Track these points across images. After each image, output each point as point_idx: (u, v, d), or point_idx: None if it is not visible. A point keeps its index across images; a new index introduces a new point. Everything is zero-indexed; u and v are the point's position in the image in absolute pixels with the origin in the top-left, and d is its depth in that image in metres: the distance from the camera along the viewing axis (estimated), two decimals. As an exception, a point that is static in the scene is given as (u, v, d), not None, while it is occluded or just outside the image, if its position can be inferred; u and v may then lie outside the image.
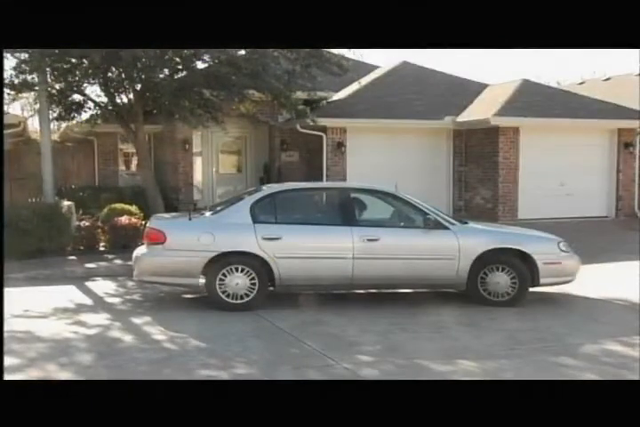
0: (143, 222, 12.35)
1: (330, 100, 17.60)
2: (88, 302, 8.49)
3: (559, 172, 16.78)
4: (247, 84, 12.91)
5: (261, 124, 16.68)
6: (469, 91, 18.66)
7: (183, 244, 7.85)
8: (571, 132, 16.94)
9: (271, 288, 7.95)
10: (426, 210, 8.21)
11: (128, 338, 6.64)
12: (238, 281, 7.75)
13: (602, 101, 18.15)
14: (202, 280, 7.85)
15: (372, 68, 20.10)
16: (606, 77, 26.77)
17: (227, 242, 7.82)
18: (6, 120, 13.14)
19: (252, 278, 7.76)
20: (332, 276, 7.93)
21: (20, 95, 13.81)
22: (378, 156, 16.88)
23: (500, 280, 8.03)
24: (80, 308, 8.02)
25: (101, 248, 11.93)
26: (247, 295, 7.77)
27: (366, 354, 6.10)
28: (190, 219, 8.17)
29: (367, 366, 5.75)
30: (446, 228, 8.06)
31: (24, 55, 12.28)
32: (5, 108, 13.66)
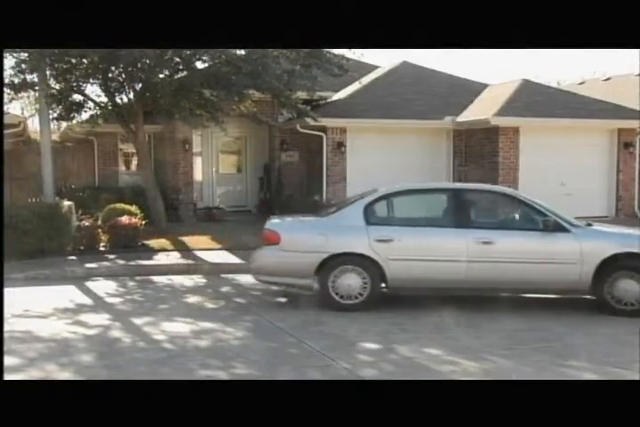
0: (143, 222, 12.39)
1: (330, 100, 17.61)
2: (88, 302, 8.49)
3: (559, 172, 16.77)
4: (247, 83, 12.90)
5: (261, 124, 16.67)
6: (469, 91, 18.66)
7: (297, 245, 7.97)
8: (571, 132, 16.93)
9: (383, 290, 7.95)
10: (545, 211, 7.95)
11: (128, 338, 6.64)
12: (350, 282, 7.80)
13: (602, 101, 18.15)
14: (314, 281, 7.93)
15: (372, 68, 20.10)
16: (606, 77, 26.79)
17: (339, 243, 7.88)
18: (6, 120, 13.14)
19: (364, 280, 7.79)
20: (445, 279, 7.80)
21: (19, 95, 13.80)
22: (378, 156, 16.88)
23: (629, 287, 7.58)
24: (80, 308, 8.02)
25: (101, 248, 11.93)
26: (359, 296, 7.80)
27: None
28: (305, 220, 8.35)
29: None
30: (566, 230, 7.76)
31: (23, 55, 12.28)
32: (5, 108, 13.66)
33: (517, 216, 8.34)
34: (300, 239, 8.03)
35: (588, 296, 7.88)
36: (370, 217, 8.01)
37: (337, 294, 7.82)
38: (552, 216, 7.88)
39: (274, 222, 8.44)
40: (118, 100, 14.37)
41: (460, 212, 8.13)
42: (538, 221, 7.92)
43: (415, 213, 8.63)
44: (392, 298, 8.17)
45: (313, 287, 7.99)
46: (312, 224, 8.34)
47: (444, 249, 7.82)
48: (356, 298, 7.82)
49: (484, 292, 8.17)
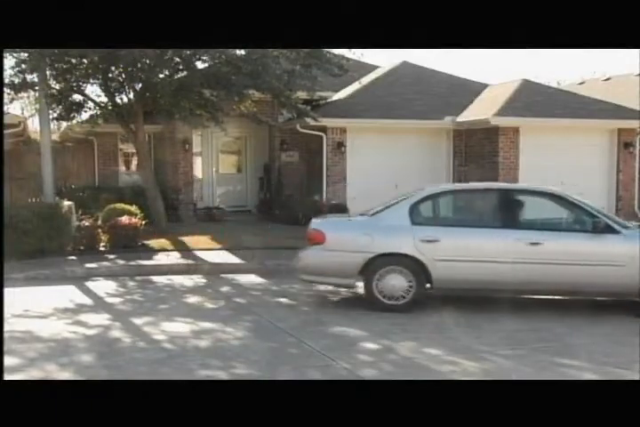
0: (143, 222, 12.38)
1: (330, 100, 17.61)
2: (88, 302, 8.49)
3: (559, 172, 16.73)
4: (247, 83, 12.90)
5: (261, 124, 16.67)
6: (469, 91, 18.66)
7: (341, 244, 7.96)
8: (571, 132, 16.93)
9: (429, 291, 7.91)
10: (594, 212, 7.85)
11: (128, 338, 6.63)
12: (395, 283, 7.77)
13: (602, 101, 18.15)
14: (359, 281, 7.94)
15: (372, 68, 20.10)
16: (606, 77, 26.80)
17: (384, 243, 7.84)
18: (6, 120, 13.15)
19: (409, 280, 7.76)
20: (492, 280, 7.69)
21: (19, 95, 13.81)
22: (378, 156, 16.88)
23: None
24: (80, 308, 8.02)
25: (101, 248, 11.93)
26: (404, 297, 7.77)
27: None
28: (349, 220, 8.36)
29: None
30: (616, 231, 7.64)
31: (23, 55, 12.28)
32: (5, 108, 13.67)
33: (566, 217, 8.22)
34: (344, 239, 8.02)
35: (638, 299, 7.66)
36: (415, 217, 7.95)
37: (381, 294, 7.79)
38: (602, 217, 7.78)
39: (319, 222, 8.42)
40: (118, 100, 14.38)
41: (507, 212, 8.05)
42: (587, 222, 7.82)
43: (461, 214, 8.63)
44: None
45: (357, 287, 7.96)
46: (357, 224, 8.30)
47: (492, 250, 7.73)
48: (401, 299, 7.77)
49: (530, 293, 8.11)
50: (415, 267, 7.75)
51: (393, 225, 7.92)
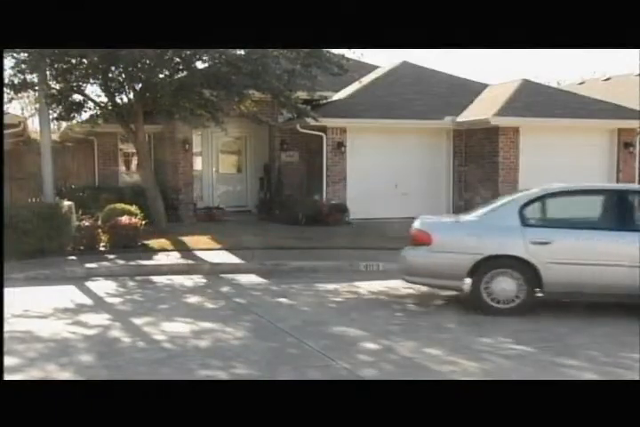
0: (143, 222, 12.38)
1: (330, 100, 17.62)
2: (88, 302, 8.49)
3: (559, 172, 16.72)
4: (247, 83, 12.91)
5: (261, 124, 16.69)
6: (469, 91, 18.67)
7: (449, 246, 7.79)
8: (571, 132, 16.93)
9: (539, 294, 7.66)
10: None
11: (128, 338, 6.63)
12: (504, 286, 7.56)
13: (602, 101, 18.16)
14: (466, 283, 7.74)
15: (372, 68, 20.11)
16: (606, 77, 26.81)
17: (493, 245, 7.64)
18: (6, 120, 13.15)
19: (520, 283, 7.54)
20: (608, 284, 7.41)
21: (19, 95, 13.81)
22: (378, 156, 16.89)
23: None
24: (80, 308, 8.01)
25: (101, 248, 11.92)
26: (514, 300, 7.56)
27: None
28: (457, 221, 8.15)
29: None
30: None
31: (23, 55, 12.29)
32: (5, 108, 13.67)
33: None
34: (452, 240, 7.83)
35: None
36: (526, 218, 7.71)
37: (490, 297, 7.59)
38: None
39: (424, 223, 8.22)
40: (118, 100, 14.38)
41: (625, 214, 7.75)
42: None
43: (574, 215, 8.29)
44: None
45: (464, 290, 7.80)
46: (464, 225, 8.06)
47: (609, 253, 7.43)
48: (511, 302, 7.56)
49: None
50: (526, 270, 7.50)
51: (502, 226, 7.69)
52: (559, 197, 8.18)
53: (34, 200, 13.06)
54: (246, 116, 15.51)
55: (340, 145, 16.58)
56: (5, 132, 12.83)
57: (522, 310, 7.54)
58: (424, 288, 8.62)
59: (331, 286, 9.29)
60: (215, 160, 19.14)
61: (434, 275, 7.87)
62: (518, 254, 7.53)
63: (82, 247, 11.74)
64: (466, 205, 17.63)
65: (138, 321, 7.33)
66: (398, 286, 9.36)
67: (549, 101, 17.40)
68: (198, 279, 10.01)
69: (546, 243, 7.49)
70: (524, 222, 7.68)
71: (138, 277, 10.02)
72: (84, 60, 12.95)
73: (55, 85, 13.68)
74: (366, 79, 18.20)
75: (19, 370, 5.48)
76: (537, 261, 7.47)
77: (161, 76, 13.12)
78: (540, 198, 8.02)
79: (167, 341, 6.53)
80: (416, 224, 8.20)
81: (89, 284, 9.57)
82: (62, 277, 9.96)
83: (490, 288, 7.60)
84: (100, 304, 8.33)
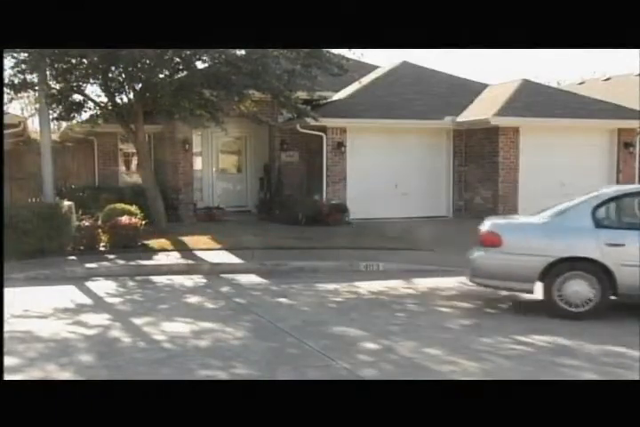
0: (143, 222, 12.38)
1: (330, 100, 17.62)
2: (88, 302, 8.49)
3: (559, 172, 16.77)
4: (247, 83, 12.91)
5: (261, 124, 16.69)
6: (469, 91, 18.67)
7: (520, 247, 7.68)
8: (571, 132, 16.94)
9: (613, 297, 7.50)
10: None
11: (128, 338, 6.63)
12: (577, 288, 7.41)
13: (602, 101, 18.16)
14: (537, 286, 7.63)
15: (372, 68, 20.11)
16: (606, 77, 26.81)
17: (566, 247, 7.50)
18: (6, 120, 13.15)
19: (593, 286, 7.39)
20: None
21: (19, 95, 13.81)
22: (378, 156, 16.90)
23: None
24: (80, 308, 8.02)
25: (101, 248, 11.92)
26: (587, 303, 7.42)
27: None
28: (528, 222, 8.04)
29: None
30: None
31: (23, 55, 12.29)
32: (5, 108, 13.67)
33: None
34: (523, 242, 7.73)
35: None
36: (599, 219, 7.56)
37: (562, 300, 7.45)
38: None
39: (494, 224, 8.10)
40: (118, 100, 14.38)
41: None
42: None
43: None
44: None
45: (536, 293, 7.68)
46: (536, 226, 7.88)
47: None
48: (584, 306, 7.41)
49: None
50: (600, 272, 7.35)
51: (574, 228, 7.54)
52: (633, 198, 8.08)
53: (34, 200, 13.07)
54: (246, 116, 15.51)
55: (340, 145, 16.58)
56: (5, 132, 12.84)
57: (595, 313, 7.38)
58: (423, 287, 8.63)
59: (331, 286, 9.30)
60: (215, 160, 19.14)
61: (503, 277, 7.75)
62: (592, 257, 7.38)
63: (82, 247, 11.74)
64: (466, 204, 17.65)
65: (138, 321, 7.33)
66: (398, 286, 9.38)
67: (549, 101, 17.40)
68: (198, 279, 10.01)
69: (620, 245, 7.35)
70: (598, 224, 7.53)
71: (138, 277, 10.02)
72: (84, 60, 12.95)
73: (55, 85, 13.68)
74: (366, 79, 18.19)
75: (19, 370, 5.48)
76: (611, 264, 7.32)
77: (161, 76, 13.11)
78: (614, 199, 7.83)
79: (167, 341, 6.53)
80: (486, 226, 8.07)
81: (89, 284, 9.57)
82: (62, 277, 9.96)
83: (562, 291, 7.45)
84: (100, 304, 8.33)
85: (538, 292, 7.66)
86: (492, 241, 7.81)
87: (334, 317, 7.57)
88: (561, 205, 8.11)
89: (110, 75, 13.37)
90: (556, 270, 7.47)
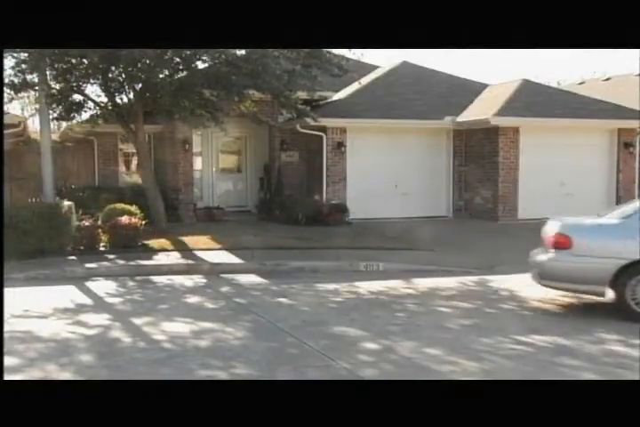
0: (143, 222, 12.38)
1: (330, 100, 17.62)
2: (88, 302, 8.49)
3: (559, 172, 16.78)
4: (247, 83, 12.91)
5: (261, 124, 16.68)
6: (469, 91, 18.67)
7: (591, 250, 7.51)
8: (571, 132, 16.94)
9: None
10: None
11: (128, 338, 6.63)
12: None
13: (602, 101, 18.16)
14: (610, 289, 7.46)
15: (372, 68, 20.10)
16: (606, 77, 26.79)
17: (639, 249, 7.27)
18: (6, 120, 13.15)
19: None
20: None
21: (19, 95, 13.82)
22: (378, 156, 16.90)
23: None
24: (80, 308, 8.01)
25: (101, 248, 11.92)
26: None
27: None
28: (599, 224, 7.88)
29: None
30: None
31: (23, 55, 12.30)
32: (5, 108, 13.67)
33: None
34: (595, 244, 7.55)
35: None
36: None
37: (636, 303, 7.29)
38: None
39: (565, 225, 7.88)
40: (118, 100, 14.39)
41: None
42: None
43: None
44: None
45: (607, 296, 7.52)
46: (607, 228, 7.75)
47: None
48: None
49: None
50: None
51: None
52: None
53: (34, 200, 13.06)
54: (246, 116, 15.51)
55: (340, 145, 16.58)
56: (5, 132, 12.83)
57: None
58: (423, 287, 8.63)
59: (331, 286, 9.30)
60: (215, 160, 19.14)
61: (573, 280, 7.60)
62: None
63: (82, 247, 11.73)
64: (466, 204, 17.65)
65: (138, 321, 7.33)
66: (398, 286, 9.38)
67: (549, 101, 17.40)
68: (198, 279, 10.01)
69: None
70: None
71: (138, 277, 10.02)
72: (84, 60, 12.95)
73: (55, 85, 13.69)
74: (366, 79, 18.19)
75: (19, 370, 5.48)
76: None
77: (161, 76, 13.11)
78: None
79: (167, 341, 6.53)
80: (555, 227, 7.87)
81: (89, 284, 9.57)
82: (62, 277, 9.96)
83: (636, 294, 7.30)
84: (100, 304, 8.33)
85: (609, 295, 7.52)
86: (562, 243, 7.64)
87: (334, 317, 7.57)
88: (628, 206, 8.00)
89: (110, 75, 13.37)
90: (628, 273, 7.30)
